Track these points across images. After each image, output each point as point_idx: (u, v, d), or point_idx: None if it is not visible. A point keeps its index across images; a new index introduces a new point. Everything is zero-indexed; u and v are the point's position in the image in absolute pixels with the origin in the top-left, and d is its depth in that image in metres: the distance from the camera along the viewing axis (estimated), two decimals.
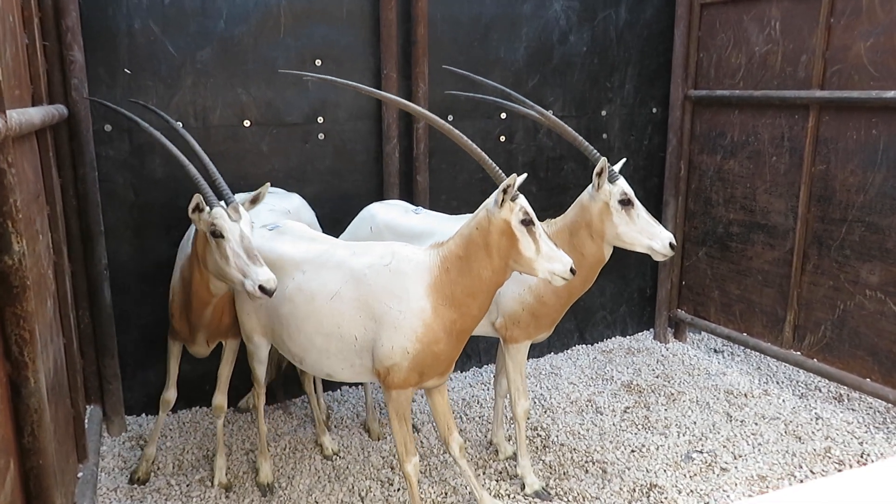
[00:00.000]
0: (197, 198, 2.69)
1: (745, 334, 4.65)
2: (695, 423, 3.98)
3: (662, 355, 4.98)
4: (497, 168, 2.64)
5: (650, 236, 3.01)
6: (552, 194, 4.72)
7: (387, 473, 3.51)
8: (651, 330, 5.37)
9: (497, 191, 2.56)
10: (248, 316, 3.13)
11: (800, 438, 3.80)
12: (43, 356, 2.26)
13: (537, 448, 3.74)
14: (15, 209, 1.98)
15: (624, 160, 3.29)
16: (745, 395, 4.31)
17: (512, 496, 3.32)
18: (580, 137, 3.13)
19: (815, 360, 4.18)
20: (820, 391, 4.36)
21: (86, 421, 3.57)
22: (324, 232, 3.42)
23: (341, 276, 2.78)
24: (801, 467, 3.53)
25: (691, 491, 3.35)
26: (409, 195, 4.21)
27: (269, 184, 2.95)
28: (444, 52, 4.17)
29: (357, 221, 3.65)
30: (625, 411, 4.14)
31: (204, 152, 2.98)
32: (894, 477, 1.00)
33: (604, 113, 4.83)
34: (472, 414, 4.13)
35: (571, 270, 2.58)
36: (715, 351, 5.08)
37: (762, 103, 4.36)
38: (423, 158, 4.20)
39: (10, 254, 1.98)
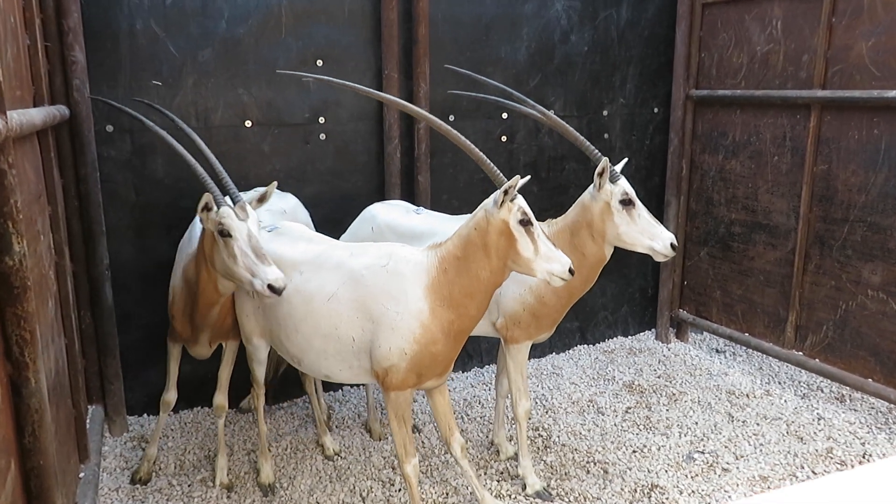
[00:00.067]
0: (206, 197, 2.68)
1: (746, 334, 4.65)
2: (696, 423, 3.98)
3: (664, 355, 4.97)
4: (496, 169, 2.64)
5: (651, 236, 3.01)
6: (553, 194, 4.72)
7: (388, 474, 3.51)
8: (653, 330, 5.37)
9: (498, 192, 2.56)
10: (247, 317, 3.13)
11: (802, 439, 3.79)
12: (44, 356, 2.26)
13: (539, 448, 3.74)
14: (15, 210, 1.98)
15: (625, 160, 3.29)
16: (747, 396, 4.30)
17: (513, 496, 3.32)
18: (581, 137, 3.12)
19: (817, 360, 4.17)
20: (822, 391, 4.35)
21: (87, 421, 3.58)
22: (325, 232, 3.42)
23: (339, 277, 2.77)
24: (802, 468, 3.53)
25: (693, 491, 3.34)
26: (410, 195, 4.21)
27: (275, 183, 2.95)
28: (445, 52, 4.17)
29: (358, 222, 3.66)
30: (626, 411, 4.13)
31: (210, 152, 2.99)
32: (893, 475, 1.00)
33: (605, 113, 4.82)
34: (473, 414, 4.13)
35: (570, 271, 2.57)
36: (717, 351, 5.08)
37: (764, 103, 4.35)
38: (424, 159, 4.20)
39: (10, 254, 1.98)
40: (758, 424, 3.95)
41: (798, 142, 4.18)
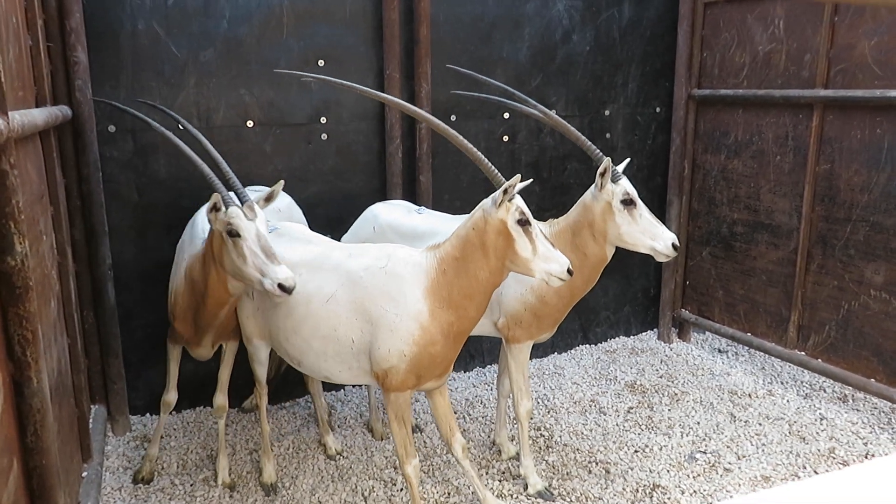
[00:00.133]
0: (216, 197, 2.68)
1: (749, 334, 4.64)
2: (698, 423, 3.97)
3: (666, 355, 4.97)
4: (494, 169, 2.63)
5: (653, 237, 3.01)
6: (555, 194, 4.71)
7: (390, 473, 3.52)
8: (655, 330, 5.36)
9: (497, 192, 2.56)
10: (247, 319, 3.13)
11: (804, 439, 3.79)
12: (46, 356, 2.27)
13: (540, 448, 3.74)
14: (17, 210, 1.99)
15: (628, 160, 3.29)
16: (749, 396, 4.30)
17: (515, 496, 3.32)
18: (583, 137, 3.12)
19: (819, 360, 4.16)
20: (824, 391, 4.35)
21: (90, 420, 3.59)
22: (327, 232, 3.42)
23: (337, 278, 2.77)
24: (805, 468, 3.52)
25: (695, 491, 3.34)
26: (411, 195, 4.21)
27: (282, 182, 2.95)
28: (446, 52, 4.17)
29: (360, 221, 3.66)
30: (628, 411, 4.13)
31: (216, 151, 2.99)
32: (894, 474, 1.00)
33: (607, 112, 4.82)
34: (475, 414, 4.13)
35: (569, 271, 2.57)
36: (719, 351, 5.07)
37: (766, 102, 4.34)
38: (425, 158, 4.20)
39: (12, 254, 1.98)
40: (760, 424, 3.95)
41: (800, 141, 4.17)
